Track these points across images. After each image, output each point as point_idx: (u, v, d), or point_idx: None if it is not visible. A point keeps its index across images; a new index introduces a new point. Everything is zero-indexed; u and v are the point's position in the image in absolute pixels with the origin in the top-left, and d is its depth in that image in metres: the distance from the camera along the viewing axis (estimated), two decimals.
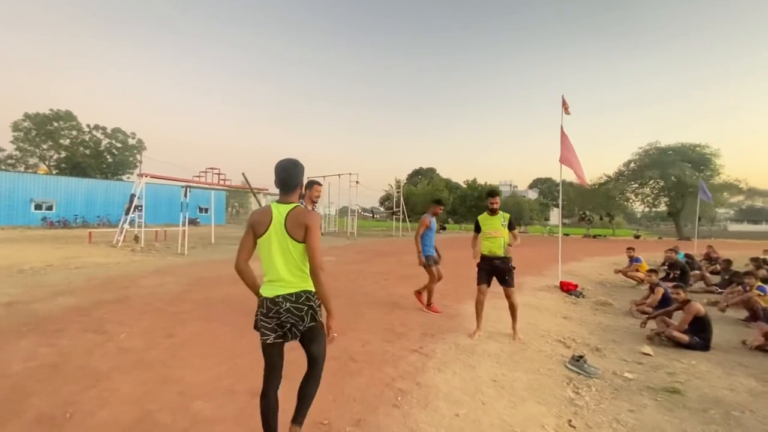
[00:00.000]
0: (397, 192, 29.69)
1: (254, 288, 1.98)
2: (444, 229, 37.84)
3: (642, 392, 3.12)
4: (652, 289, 6.11)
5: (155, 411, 2.46)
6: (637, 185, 37.40)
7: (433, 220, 5.31)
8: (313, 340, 1.97)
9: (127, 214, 13.80)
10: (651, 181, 36.02)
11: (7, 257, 9.31)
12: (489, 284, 4.32)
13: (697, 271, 9.14)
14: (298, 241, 1.87)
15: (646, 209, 41.93)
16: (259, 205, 15.04)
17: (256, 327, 1.95)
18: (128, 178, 40.69)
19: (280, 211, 1.90)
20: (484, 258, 4.34)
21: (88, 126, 41.25)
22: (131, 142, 43.73)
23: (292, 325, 1.88)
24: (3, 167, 36.99)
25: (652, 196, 37.37)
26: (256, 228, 1.91)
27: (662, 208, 38.65)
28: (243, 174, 12.12)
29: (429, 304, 5.32)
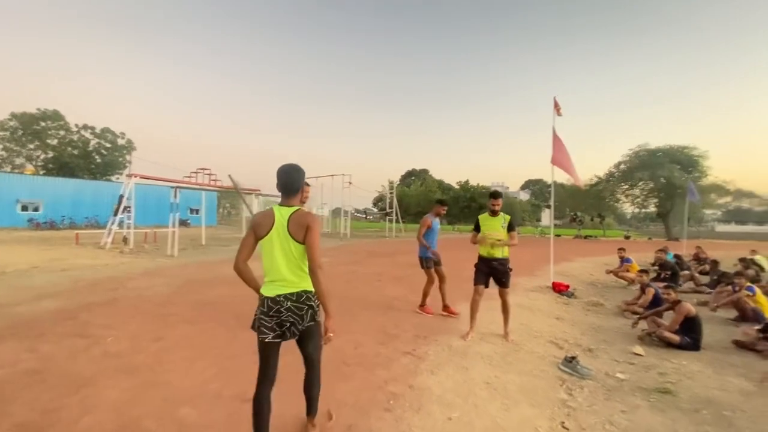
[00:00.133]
0: (390, 193, 29.65)
1: (254, 286, 2.03)
2: None
3: (634, 393, 3.12)
4: (643, 290, 6.17)
5: (140, 417, 2.39)
6: (627, 186, 37.79)
7: (436, 220, 5.19)
8: (309, 340, 2.02)
9: (115, 215, 13.56)
10: (641, 183, 36.42)
11: None
12: (486, 285, 4.31)
13: (687, 272, 9.26)
14: (300, 242, 1.94)
15: (636, 210, 42.49)
16: (247, 206, 14.93)
17: (254, 326, 1.98)
18: (117, 178, 40.03)
19: (282, 214, 1.97)
20: (482, 259, 4.34)
21: (77, 126, 40.50)
22: (120, 142, 43.04)
23: (292, 324, 1.94)
24: None
25: (642, 197, 37.80)
26: (258, 230, 1.97)
27: (652, 209, 39.17)
28: (230, 176, 12.07)
29: (422, 305, 5.29)
